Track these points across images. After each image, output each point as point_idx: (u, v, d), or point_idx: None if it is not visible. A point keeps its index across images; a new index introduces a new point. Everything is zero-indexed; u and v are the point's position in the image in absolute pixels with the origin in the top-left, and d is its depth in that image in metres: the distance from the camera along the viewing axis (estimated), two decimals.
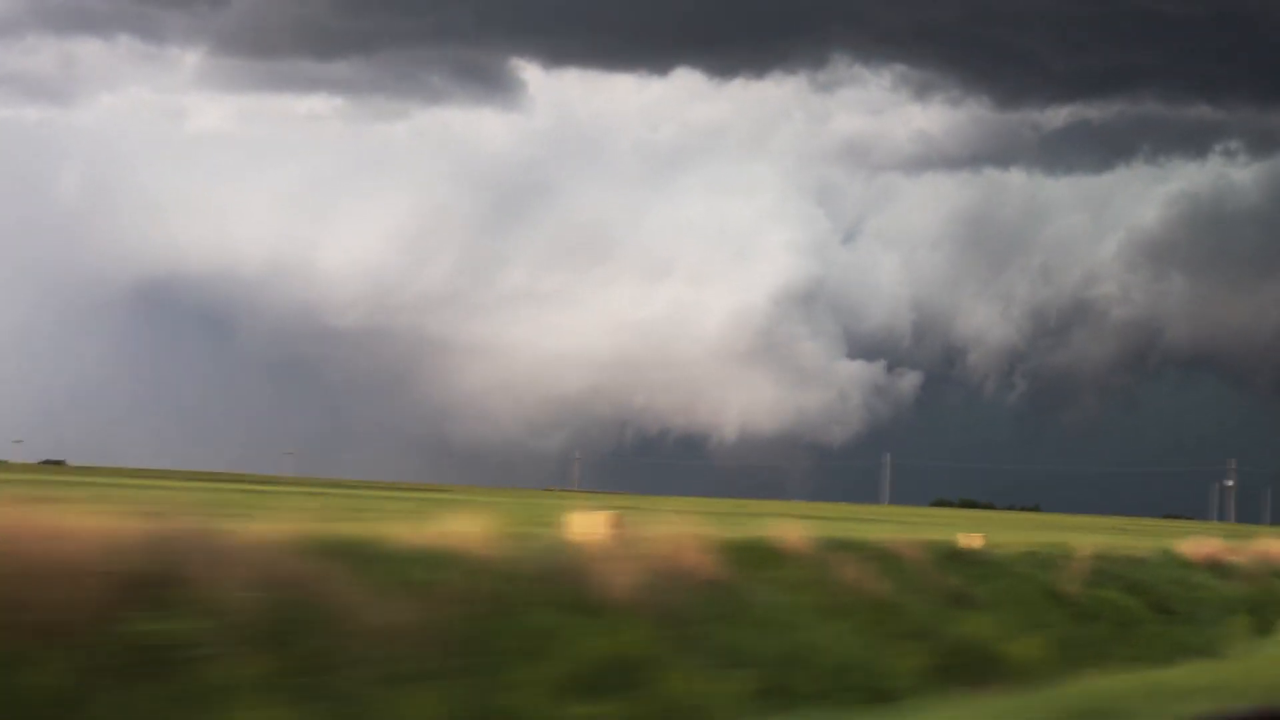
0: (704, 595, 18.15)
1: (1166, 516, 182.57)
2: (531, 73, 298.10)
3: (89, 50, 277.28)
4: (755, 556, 20.98)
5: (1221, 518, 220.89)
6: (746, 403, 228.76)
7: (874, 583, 21.87)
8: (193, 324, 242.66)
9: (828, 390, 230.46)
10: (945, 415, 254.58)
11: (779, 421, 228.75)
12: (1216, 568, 36.92)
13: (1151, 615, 29.07)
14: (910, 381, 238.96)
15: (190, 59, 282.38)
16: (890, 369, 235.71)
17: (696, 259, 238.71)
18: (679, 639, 16.66)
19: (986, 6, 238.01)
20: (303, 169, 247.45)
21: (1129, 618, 28.18)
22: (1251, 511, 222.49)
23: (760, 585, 19.65)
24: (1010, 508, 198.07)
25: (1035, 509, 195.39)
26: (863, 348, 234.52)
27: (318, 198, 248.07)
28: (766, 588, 19.73)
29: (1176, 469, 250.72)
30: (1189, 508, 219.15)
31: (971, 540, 28.34)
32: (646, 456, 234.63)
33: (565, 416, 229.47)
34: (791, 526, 22.64)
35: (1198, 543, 39.29)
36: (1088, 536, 44.75)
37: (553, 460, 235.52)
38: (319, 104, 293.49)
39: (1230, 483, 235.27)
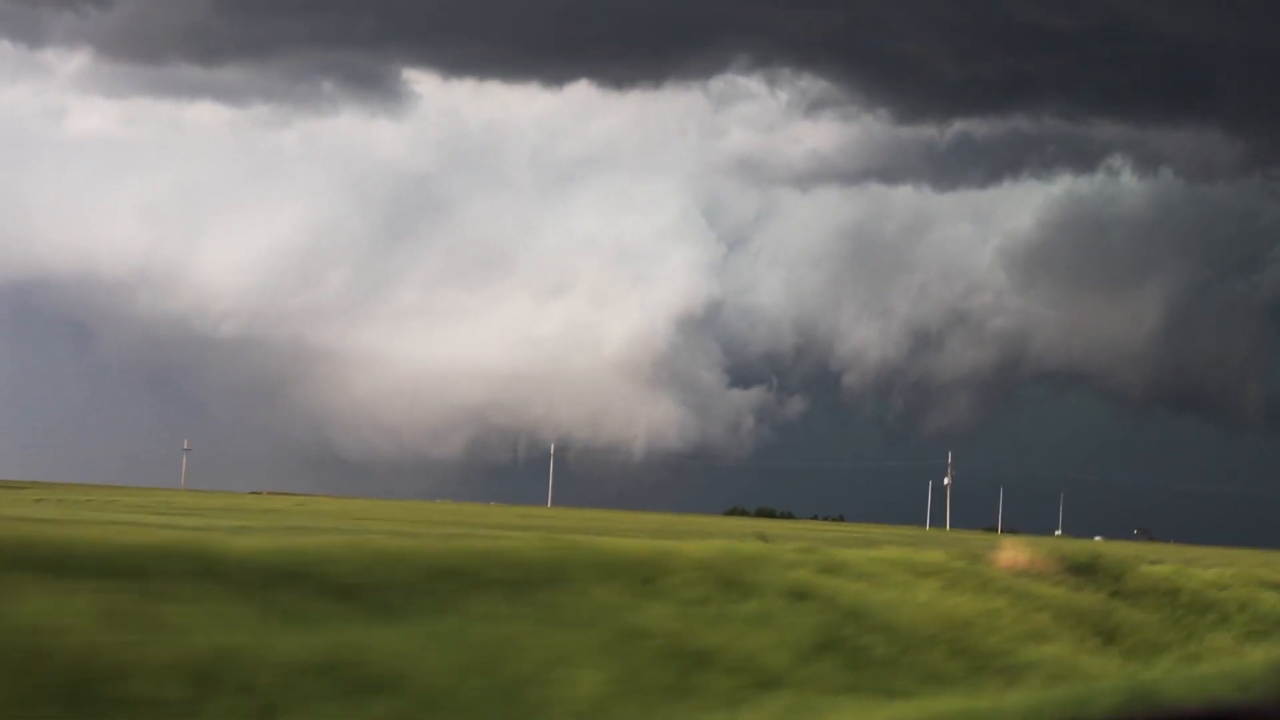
0: None
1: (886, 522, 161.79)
2: (426, 83, 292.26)
3: None
4: None
5: (935, 522, 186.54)
6: (650, 420, 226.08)
7: None
8: (54, 329, 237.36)
9: (724, 409, 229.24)
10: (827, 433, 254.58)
11: (681, 439, 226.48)
12: None
13: None
14: (795, 406, 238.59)
15: (73, 62, 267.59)
16: (778, 389, 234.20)
17: (593, 276, 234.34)
18: None
19: (883, 17, 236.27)
20: (186, 176, 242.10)
21: None
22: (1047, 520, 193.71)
23: None
24: (814, 517, 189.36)
25: (840, 519, 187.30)
26: (751, 368, 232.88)
27: (200, 205, 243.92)
28: None
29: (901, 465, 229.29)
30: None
31: None
32: (541, 467, 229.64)
33: (460, 425, 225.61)
34: None
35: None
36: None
37: (445, 470, 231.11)
38: (204, 111, 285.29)
39: (947, 480, 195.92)
